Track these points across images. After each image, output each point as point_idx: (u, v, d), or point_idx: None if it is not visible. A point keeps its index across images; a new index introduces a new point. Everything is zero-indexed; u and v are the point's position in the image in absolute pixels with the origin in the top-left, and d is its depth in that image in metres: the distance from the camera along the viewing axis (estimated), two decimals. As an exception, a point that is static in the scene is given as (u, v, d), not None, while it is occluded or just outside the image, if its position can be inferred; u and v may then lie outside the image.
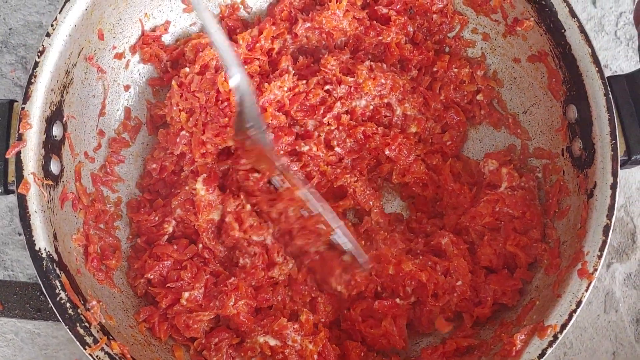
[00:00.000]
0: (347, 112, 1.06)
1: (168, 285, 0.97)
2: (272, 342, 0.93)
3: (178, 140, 1.01)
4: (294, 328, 0.93)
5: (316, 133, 1.05)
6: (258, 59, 1.05)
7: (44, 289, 0.84)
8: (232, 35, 1.07)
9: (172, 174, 1.04)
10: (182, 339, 0.97)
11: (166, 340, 0.97)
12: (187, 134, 1.02)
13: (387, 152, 1.04)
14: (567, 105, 0.96)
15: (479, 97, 1.08)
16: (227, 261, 1.01)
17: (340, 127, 1.05)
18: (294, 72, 1.06)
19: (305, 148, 1.03)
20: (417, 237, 1.03)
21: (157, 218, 1.01)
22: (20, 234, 1.17)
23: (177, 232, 1.01)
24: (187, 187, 1.00)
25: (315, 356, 0.93)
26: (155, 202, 1.03)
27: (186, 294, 0.94)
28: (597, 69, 0.90)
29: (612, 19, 1.28)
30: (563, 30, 0.93)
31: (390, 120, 1.07)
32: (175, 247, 0.98)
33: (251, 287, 0.97)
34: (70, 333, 0.84)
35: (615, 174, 0.86)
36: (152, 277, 0.97)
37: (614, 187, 0.86)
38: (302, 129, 1.05)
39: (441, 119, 1.08)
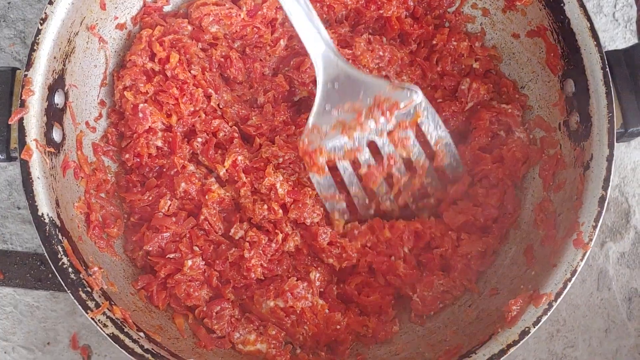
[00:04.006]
0: None
1: (168, 256, 0.97)
2: (282, 304, 0.95)
3: (140, 115, 1.01)
4: (303, 286, 0.95)
5: None
6: (257, 28, 1.05)
7: (46, 254, 0.85)
8: (236, 1, 1.07)
9: (155, 158, 1.03)
10: (181, 308, 0.98)
11: (165, 308, 0.98)
12: (146, 104, 1.01)
13: None
14: (564, 79, 0.97)
15: (475, 65, 1.09)
16: (225, 237, 1.02)
17: None
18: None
19: None
20: None
21: (150, 198, 1.01)
22: (19, 208, 1.17)
23: (174, 210, 1.01)
24: (191, 168, 1.02)
25: (327, 310, 0.96)
26: (147, 182, 1.03)
27: (189, 262, 0.95)
28: (595, 43, 0.91)
29: (610, 0, 1.28)
30: (562, 5, 0.94)
31: None
32: (173, 219, 0.99)
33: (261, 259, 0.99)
34: (72, 297, 0.84)
35: (611, 146, 0.88)
36: (150, 248, 0.98)
37: (610, 159, 0.87)
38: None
39: (437, 87, 1.09)
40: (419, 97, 0.97)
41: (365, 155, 0.99)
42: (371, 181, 1.01)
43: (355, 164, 1.01)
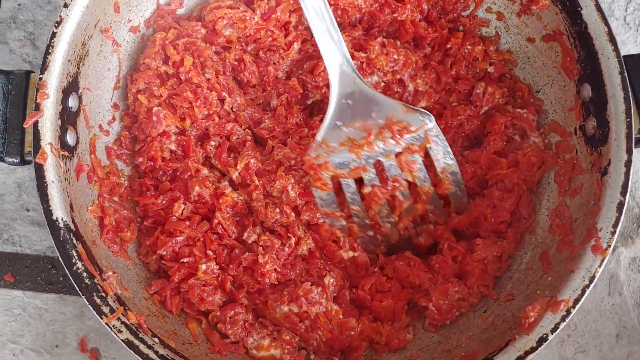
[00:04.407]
0: None
1: (182, 260, 0.97)
2: (296, 309, 0.95)
3: (154, 119, 1.00)
4: (317, 292, 0.95)
5: None
6: (271, 31, 1.05)
7: (61, 259, 0.85)
8: (249, 5, 1.06)
9: (168, 162, 1.03)
10: (195, 313, 0.97)
11: (178, 313, 0.97)
12: (160, 108, 1.01)
13: None
14: (581, 84, 0.96)
15: (490, 69, 1.09)
16: (239, 241, 1.01)
17: None
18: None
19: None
20: None
21: (164, 201, 1.00)
22: (28, 210, 1.17)
23: (188, 214, 1.01)
24: (205, 171, 1.01)
25: (341, 316, 0.95)
26: (161, 185, 1.03)
27: (203, 266, 0.95)
28: (613, 47, 0.90)
29: (621, 4, 1.28)
30: (580, 9, 0.93)
31: (401, 96, 1.07)
32: (187, 223, 0.98)
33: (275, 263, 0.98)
34: (87, 302, 0.84)
35: (629, 152, 0.87)
36: (164, 253, 0.98)
37: (628, 164, 0.87)
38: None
39: (452, 91, 1.09)
40: (431, 122, 0.97)
41: (370, 174, 0.99)
42: (373, 201, 1.00)
43: (359, 184, 1.00)
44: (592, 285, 0.85)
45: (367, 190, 1.00)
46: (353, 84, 0.97)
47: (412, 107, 0.99)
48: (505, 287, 0.99)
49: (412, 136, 0.98)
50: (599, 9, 0.92)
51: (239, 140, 1.03)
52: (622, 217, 0.87)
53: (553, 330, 0.84)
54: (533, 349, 0.84)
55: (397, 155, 0.99)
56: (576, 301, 0.85)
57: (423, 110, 0.98)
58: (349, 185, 1.00)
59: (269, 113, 1.06)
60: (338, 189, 1.01)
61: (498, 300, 0.98)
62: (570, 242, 0.92)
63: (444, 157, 1.00)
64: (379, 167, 1.00)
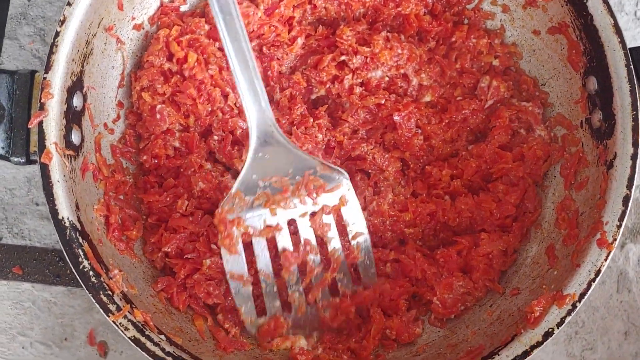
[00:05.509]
0: (361, 84, 1.06)
1: (186, 256, 0.97)
2: None
3: (158, 117, 1.01)
4: None
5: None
6: (274, 27, 1.04)
7: (67, 258, 0.85)
8: (253, 0, 1.06)
9: (172, 159, 1.03)
10: (201, 310, 0.98)
11: (185, 310, 0.98)
12: (163, 105, 1.01)
13: (395, 118, 1.03)
14: (586, 77, 0.96)
15: (495, 62, 1.08)
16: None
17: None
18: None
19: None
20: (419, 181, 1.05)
21: (168, 199, 1.01)
22: (37, 204, 1.17)
23: (191, 209, 1.01)
24: (208, 167, 1.02)
25: None
26: (165, 182, 1.03)
27: (207, 261, 0.95)
28: (619, 39, 0.90)
29: (632, -2, 1.27)
30: (585, 1, 0.92)
31: (405, 90, 1.07)
32: (190, 219, 0.99)
33: None
34: (93, 301, 0.84)
35: (635, 145, 0.87)
36: (169, 249, 0.98)
37: (634, 157, 0.87)
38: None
39: (456, 84, 1.08)
40: (347, 183, 0.96)
41: (283, 235, 0.95)
42: (284, 267, 0.95)
43: (271, 244, 0.96)
44: (597, 279, 0.85)
45: (279, 253, 0.96)
46: (272, 137, 0.94)
47: (330, 165, 0.96)
48: (511, 282, 0.99)
49: (327, 196, 0.96)
50: (604, 0, 0.91)
51: (243, 133, 1.03)
52: (628, 211, 0.86)
53: (559, 325, 0.84)
54: (539, 344, 0.84)
55: (313, 215, 0.96)
56: (582, 295, 0.85)
57: (340, 169, 0.96)
58: (261, 246, 0.95)
59: (273, 105, 1.06)
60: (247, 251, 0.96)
61: (504, 294, 0.98)
62: (576, 236, 0.92)
63: (356, 222, 0.97)
64: (293, 227, 0.96)
